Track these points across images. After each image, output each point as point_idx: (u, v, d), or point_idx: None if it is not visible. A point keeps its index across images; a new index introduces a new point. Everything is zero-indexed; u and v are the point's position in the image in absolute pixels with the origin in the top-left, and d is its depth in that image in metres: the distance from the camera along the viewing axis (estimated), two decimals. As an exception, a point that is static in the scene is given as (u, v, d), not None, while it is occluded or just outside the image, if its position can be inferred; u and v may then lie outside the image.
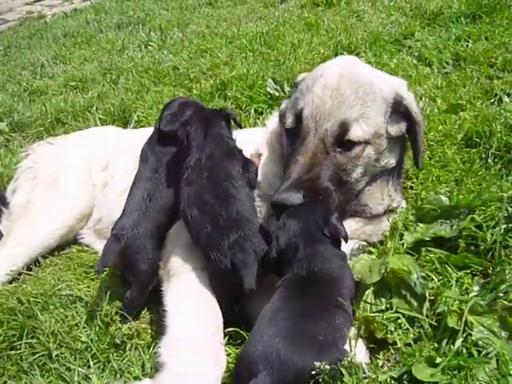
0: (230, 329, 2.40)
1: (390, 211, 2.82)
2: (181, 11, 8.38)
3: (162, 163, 3.04)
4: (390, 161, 2.75)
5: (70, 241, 3.50)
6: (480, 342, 2.04)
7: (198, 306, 2.47)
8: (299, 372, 1.87)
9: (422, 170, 3.04)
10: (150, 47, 6.92)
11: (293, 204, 2.38)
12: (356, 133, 2.54)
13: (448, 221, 2.60)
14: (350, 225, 2.66)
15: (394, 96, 2.68)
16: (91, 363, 2.46)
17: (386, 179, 2.80)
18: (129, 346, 2.52)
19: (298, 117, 2.64)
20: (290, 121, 2.70)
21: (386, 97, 2.65)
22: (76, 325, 2.69)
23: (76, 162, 3.66)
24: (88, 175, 3.62)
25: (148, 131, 3.49)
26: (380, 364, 1.99)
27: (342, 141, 2.54)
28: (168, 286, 2.61)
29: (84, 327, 2.67)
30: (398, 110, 2.69)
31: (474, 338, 2.05)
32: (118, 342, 2.53)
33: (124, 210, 2.89)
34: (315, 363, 1.85)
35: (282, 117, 2.86)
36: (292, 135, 2.69)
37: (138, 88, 5.58)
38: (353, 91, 2.56)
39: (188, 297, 2.52)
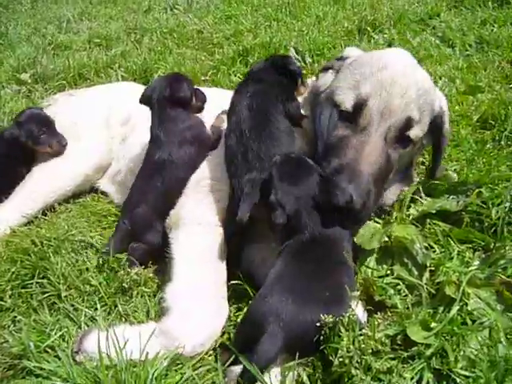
0: (234, 282, 2.47)
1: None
2: (209, -23, 8.33)
3: None
4: (409, 160, 2.77)
5: (85, 190, 3.60)
6: (475, 313, 2.10)
7: (206, 258, 2.53)
8: (308, 326, 1.94)
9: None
10: (175, 10, 6.94)
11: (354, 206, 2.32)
12: (416, 132, 2.53)
13: (455, 196, 2.65)
14: None
15: (439, 110, 2.69)
16: (98, 306, 2.54)
17: (402, 177, 2.80)
18: (135, 292, 2.61)
19: (360, 104, 2.55)
20: (348, 104, 2.58)
21: (434, 108, 2.65)
22: (86, 269, 2.78)
23: (95, 114, 3.74)
24: (107, 128, 3.70)
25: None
26: (376, 323, 2.05)
27: (403, 136, 2.52)
28: (177, 234, 2.66)
29: (93, 272, 2.75)
30: (436, 122, 2.69)
31: (469, 308, 2.11)
32: (126, 287, 2.61)
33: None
34: (321, 316, 1.92)
35: (330, 92, 2.74)
36: (346, 118, 2.59)
37: (160, 49, 5.62)
38: (417, 96, 2.54)
39: (196, 248, 2.58)
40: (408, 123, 2.50)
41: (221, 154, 2.73)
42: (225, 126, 2.92)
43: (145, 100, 3.10)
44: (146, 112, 3.10)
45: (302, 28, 5.37)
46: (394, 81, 2.54)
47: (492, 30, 4.73)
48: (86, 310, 2.53)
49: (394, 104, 2.49)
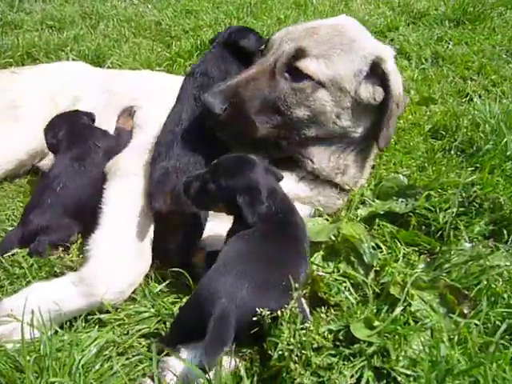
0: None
1: (341, 190, 2.73)
2: (171, -29, 8.22)
3: None
4: (354, 127, 2.61)
5: (19, 175, 3.36)
6: (418, 314, 2.10)
7: (135, 206, 2.46)
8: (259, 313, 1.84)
9: (383, 151, 2.85)
10: (135, 0, 6.78)
11: (213, 112, 2.38)
12: (308, 65, 2.42)
13: (403, 199, 2.66)
14: (303, 190, 2.65)
15: (374, 58, 2.51)
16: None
17: (345, 147, 2.67)
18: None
19: (269, 39, 2.66)
20: (265, 44, 2.71)
21: (366, 55, 2.51)
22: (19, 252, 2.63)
23: (39, 94, 3.49)
24: (50, 110, 3.43)
25: (121, 72, 3.43)
26: (319, 318, 2.00)
27: (292, 66, 2.44)
28: (111, 184, 2.60)
29: (23, 256, 2.59)
30: (376, 74, 2.52)
31: (412, 309, 2.10)
32: (57, 272, 2.48)
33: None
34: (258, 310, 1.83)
35: None
36: (261, 53, 2.69)
37: (116, 36, 5.49)
38: (329, 35, 2.48)
39: (127, 195, 2.51)
40: (299, 53, 2.43)
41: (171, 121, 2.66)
42: (130, 124, 2.98)
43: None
44: (97, 93, 3.00)
45: (262, 28, 5.33)
46: (309, 23, 2.60)
47: (447, 47, 4.83)
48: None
49: (295, 34, 2.50)
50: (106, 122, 3.16)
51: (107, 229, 2.39)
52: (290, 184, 2.58)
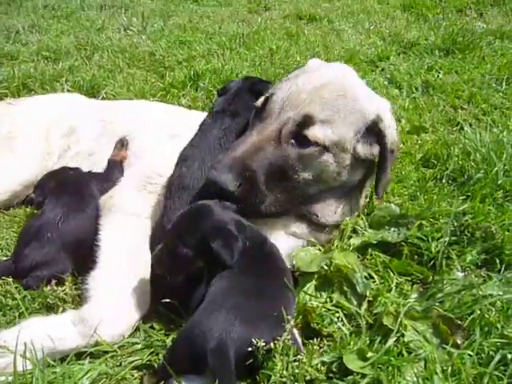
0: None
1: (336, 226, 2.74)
2: (165, 3, 8.38)
3: None
4: (352, 179, 2.64)
5: (12, 205, 3.33)
6: (411, 345, 2.08)
7: (132, 249, 2.46)
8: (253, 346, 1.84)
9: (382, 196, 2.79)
10: (129, 31, 6.88)
11: (228, 190, 2.29)
12: (316, 132, 2.41)
13: (396, 228, 2.66)
14: (298, 227, 2.65)
15: (374, 117, 2.53)
16: (17, 320, 2.35)
17: (345, 195, 2.69)
18: (61, 309, 2.44)
19: (267, 98, 2.56)
20: (259, 101, 2.60)
21: (365, 115, 2.52)
22: (12, 281, 2.60)
23: (34, 125, 3.51)
24: (45, 141, 3.48)
25: (116, 102, 3.46)
26: (312, 350, 2.00)
27: (300, 134, 2.42)
28: (107, 221, 2.60)
29: (17, 286, 2.57)
30: (373, 131, 2.55)
31: (406, 340, 2.09)
32: (50, 303, 2.46)
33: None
34: (254, 340, 1.83)
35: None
36: (256, 115, 2.58)
37: (111, 67, 5.54)
38: (332, 97, 2.45)
39: (125, 238, 2.51)
40: (306, 120, 2.40)
41: (169, 152, 2.68)
42: (123, 155, 3.03)
43: None
44: (92, 122, 3.02)
45: (255, 59, 5.42)
46: (310, 80, 2.50)
47: (438, 76, 4.90)
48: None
49: (299, 98, 2.44)
50: (101, 150, 3.20)
51: (106, 268, 2.39)
52: (288, 221, 2.62)
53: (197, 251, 2.13)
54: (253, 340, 1.82)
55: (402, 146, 3.66)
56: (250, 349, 1.83)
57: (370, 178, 2.79)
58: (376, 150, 2.59)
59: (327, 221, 2.66)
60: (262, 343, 1.81)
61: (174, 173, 2.61)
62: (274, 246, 2.27)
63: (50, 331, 2.15)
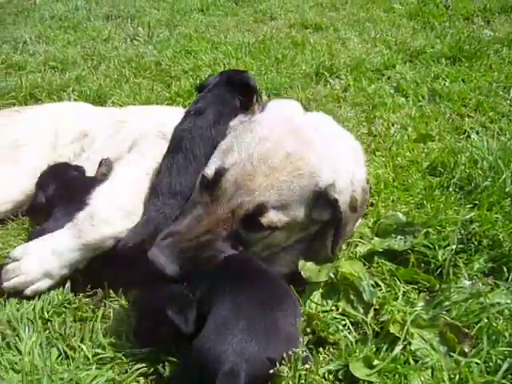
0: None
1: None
2: (171, 13, 8.38)
3: None
4: (306, 234, 2.59)
5: (16, 214, 3.33)
6: (418, 353, 2.08)
7: (141, 176, 2.74)
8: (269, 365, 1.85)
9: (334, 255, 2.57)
10: (135, 41, 6.90)
11: (167, 275, 2.22)
12: (270, 220, 2.34)
13: (402, 236, 2.65)
14: None
15: (327, 186, 2.40)
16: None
17: (300, 248, 2.61)
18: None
19: (219, 174, 2.39)
20: (210, 171, 2.43)
21: (318, 185, 2.41)
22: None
23: (41, 134, 3.52)
24: (52, 150, 3.49)
25: (122, 111, 3.49)
26: (319, 358, 1.99)
27: (253, 221, 2.34)
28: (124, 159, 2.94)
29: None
30: (326, 199, 2.42)
31: (412, 348, 2.09)
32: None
33: None
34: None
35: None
36: (206, 186, 2.43)
37: (117, 77, 5.56)
38: (289, 179, 2.35)
39: (137, 170, 2.79)
40: (260, 209, 2.32)
41: None
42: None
43: None
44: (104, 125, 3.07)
45: (261, 68, 5.43)
46: (267, 157, 2.35)
47: (444, 84, 4.87)
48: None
49: (254, 183, 2.32)
50: (117, 148, 3.26)
51: (110, 185, 2.71)
52: None
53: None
54: (265, 360, 1.82)
55: (408, 153, 3.67)
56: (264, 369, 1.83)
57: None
58: (328, 214, 2.48)
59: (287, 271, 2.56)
60: (278, 367, 1.82)
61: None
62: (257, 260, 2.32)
63: (48, 243, 2.60)
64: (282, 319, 1.98)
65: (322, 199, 2.42)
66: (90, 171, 3.26)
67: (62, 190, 3.01)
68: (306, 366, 1.90)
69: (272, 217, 2.33)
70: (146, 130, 3.20)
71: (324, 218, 2.49)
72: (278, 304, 2.05)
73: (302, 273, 2.40)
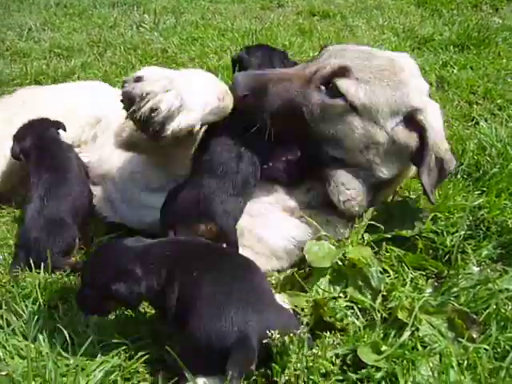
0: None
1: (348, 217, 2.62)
2: (177, 0, 8.34)
3: None
4: (382, 166, 2.50)
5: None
6: (426, 339, 2.07)
7: None
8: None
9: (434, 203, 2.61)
10: (141, 28, 6.87)
11: (238, 90, 2.35)
12: (347, 85, 2.34)
13: (410, 222, 2.63)
14: (300, 202, 2.60)
15: (416, 106, 2.42)
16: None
17: (371, 188, 2.56)
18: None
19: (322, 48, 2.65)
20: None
21: (408, 100, 2.41)
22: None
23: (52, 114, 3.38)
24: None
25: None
26: (326, 343, 1.98)
27: (330, 81, 2.36)
28: None
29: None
30: (414, 121, 2.42)
31: (420, 334, 2.08)
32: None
33: None
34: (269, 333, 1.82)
35: None
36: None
37: (123, 64, 5.55)
38: (381, 67, 2.40)
39: None
40: (342, 70, 2.36)
41: None
42: None
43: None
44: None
45: (268, 55, 5.40)
46: (369, 49, 2.56)
47: (452, 72, 4.84)
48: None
49: (348, 53, 2.46)
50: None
51: None
52: (285, 197, 2.60)
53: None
54: (267, 332, 1.81)
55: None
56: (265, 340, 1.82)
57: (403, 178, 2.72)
58: (415, 141, 2.44)
59: (339, 202, 2.53)
60: (276, 334, 1.80)
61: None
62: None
63: None
64: (263, 284, 2.02)
65: (409, 119, 2.42)
66: (105, 157, 3.24)
67: (37, 146, 3.04)
68: (314, 350, 1.89)
69: (350, 84, 2.35)
70: None
71: (412, 143, 2.44)
72: (252, 272, 2.06)
73: (306, 256, 2.39)
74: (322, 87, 2.40)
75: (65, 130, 3.22)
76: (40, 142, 3.05)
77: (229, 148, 2.37)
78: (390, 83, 2.39)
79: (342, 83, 2.35)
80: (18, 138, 3.08)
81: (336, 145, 2.45)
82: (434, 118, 2.46)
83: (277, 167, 2.49)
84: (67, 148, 3.12)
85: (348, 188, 2.52)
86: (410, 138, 2.44)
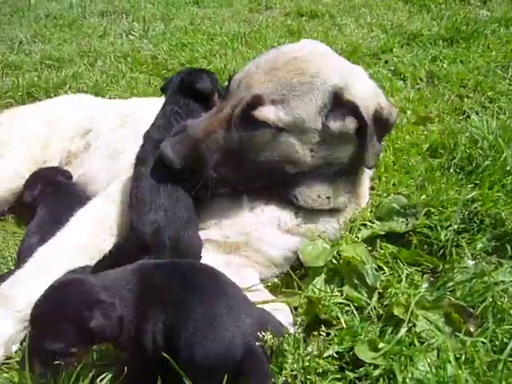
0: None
1: (336, 211, 2.67)
2: (166, 7, 8.31)
3: None
4: (336, 155, 2.50)
5: (4, 212, 3.36)
6: (423, 335, 2.07)
7: (92, 225, 2.51)
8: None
9: (372, 168, 2.69)
10: (131, 36, 6.87)
11: (174, 164, 2.34)
12: (266, 114, 2.32)
13: (404, 218, 2.64)
14: (290, 219, 2.60)
15: (337, 89, 2.38)
16: None
17: (331, 177, 2.58)
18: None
19: (230, 79, 2.54)
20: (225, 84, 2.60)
21: (327, 89, 2.38)
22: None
23: (32, 133, 3.51)
24: (42, 150, 3.46)
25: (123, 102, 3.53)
26: (322, 342, 1.98)
27: (249, 115, 2.35)
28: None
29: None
30: (342, 104, 2.38)
31: (417, 330, 2.07)
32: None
33: None
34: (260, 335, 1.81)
35: None
36: (223, 97, 2.58)
37: (114, 72, 5.55)
38: (289, 76, 2.34)
39: (91, 214, 2.57)
40: (255, 101, 2.33)
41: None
42: None
43: None
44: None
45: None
46: (272, 60, 2.41)
47: (442, 66, 4.85)
48: None
49: (253, 78, 2.37)
50: (123, 138, 3.26)
51: (48, 246, 2.43)
52: (279, 214, 2.60)
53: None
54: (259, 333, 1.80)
55: (408, 136, 3.64)
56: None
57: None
58: (351, 123, 2.42)
59: (308, 204, 2.58)
60: (269, 335, 1.79)
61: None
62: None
63: None
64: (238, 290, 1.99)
65: (338, 104, 2.39)
66: (98, 164, 3.27)
67: (46, 192, 3.06)
68: (310, 349, 1.89)
69: (268, 111, 2.33)
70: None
71: (349, 127, 2.43)
72: (224, 281, 2.00)
73: (301, 256, 2.40)
74: (244, 123, 2.38)
75: (71, 178, 3.29)
76: (49, 188, 3.09)
77: None
78: (303, 88, 2.36)
79: (260, 113, 2.33)
80: (29, 185, 3.15)
81: (286, 164, 2.47)
82: (359, 87, 2.44)
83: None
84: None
85: (310, 194, 2.58)
86: (346, 124, 2.42)
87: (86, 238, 2.45)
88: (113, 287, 1.86)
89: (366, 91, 2.46)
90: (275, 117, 2.33)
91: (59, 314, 1.77)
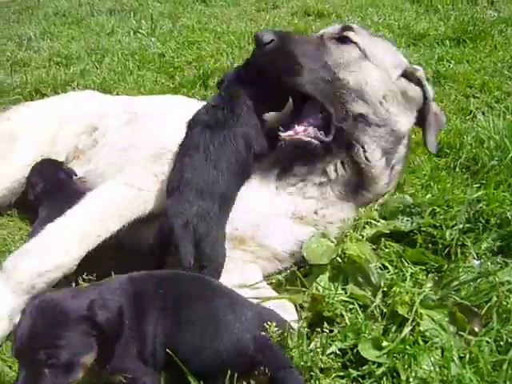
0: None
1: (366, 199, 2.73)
2: (174, 5, 8.35)
3: None
4: (398, 116, 2.69)
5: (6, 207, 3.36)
6: (427, 334, 2.07)
7: (103, 210, 2.48)
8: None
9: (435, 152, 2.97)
10: (138, 34, 6.90)
11: (261, 41, 2.48)
12: (355, 35, 2.62)
13: (409, 217, 2.63)
14: (306, 206, 2.62)
15: (409, 67, 2.78)
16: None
17: (392, 142, 2.71)
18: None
19: None
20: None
21: (402, 62, 2.76)
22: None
23: (40, 128, 3.49)
24: (49, 145, 3.44)
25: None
26: (325, 340, 1.98)
27: (340, 35, 2.64)
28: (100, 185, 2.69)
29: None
30: (412, 78, 2.74)
31: (421, 329, 2.07)
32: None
33: None
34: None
35: None
36: None
37: (121, 70, 5.56)
38: (376, 35, 2.91)
39: (103, 199, 2.55)
40: (346, 28, 2.66)
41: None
42: None
43: None
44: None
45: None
46: None
47: (449, 66, 4.84)
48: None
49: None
50: (130, 134, 3.27)
51: (56, 223, 2.43)
52: (297, 199, 2.62)
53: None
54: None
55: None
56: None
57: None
58: (418, 92, 2.75)
59: (370, 162, 2.65)
60: (274, 327, 1.80)
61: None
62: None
63: None
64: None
65: (408, 75, 2.74)
66: (106, 159, 3.27)
67: (47, 191, 3.06)
68: (313, 346, 1.90)
69: (357, 35, 2.64)
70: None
71: (415, 95, 2.75)
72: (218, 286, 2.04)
73: (305, 254, 2.39)
74: (334, 39, 2.65)
75: (72, 175, 3.27)
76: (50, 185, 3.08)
77: None
78: (387, 44, 2.84)
79: (352, 34, 2.62)
80: (31, 183, 3.14)
81: (357, 97, 2.58)
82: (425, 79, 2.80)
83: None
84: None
85: (374, 150, 2.66)
86: (414, 91, 2.74)
87: (94, 216, 2.45)
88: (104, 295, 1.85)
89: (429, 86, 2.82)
90: (363, 42, 2.62)
91: (58, 324, 1.70)
